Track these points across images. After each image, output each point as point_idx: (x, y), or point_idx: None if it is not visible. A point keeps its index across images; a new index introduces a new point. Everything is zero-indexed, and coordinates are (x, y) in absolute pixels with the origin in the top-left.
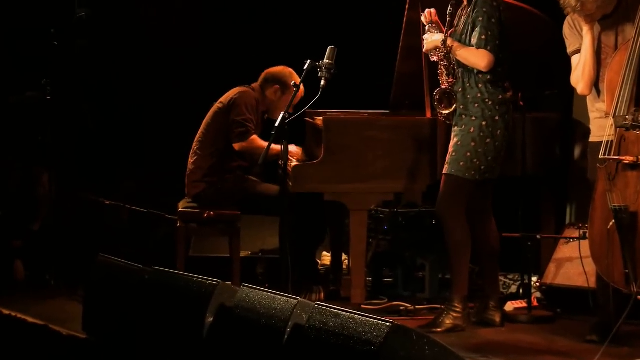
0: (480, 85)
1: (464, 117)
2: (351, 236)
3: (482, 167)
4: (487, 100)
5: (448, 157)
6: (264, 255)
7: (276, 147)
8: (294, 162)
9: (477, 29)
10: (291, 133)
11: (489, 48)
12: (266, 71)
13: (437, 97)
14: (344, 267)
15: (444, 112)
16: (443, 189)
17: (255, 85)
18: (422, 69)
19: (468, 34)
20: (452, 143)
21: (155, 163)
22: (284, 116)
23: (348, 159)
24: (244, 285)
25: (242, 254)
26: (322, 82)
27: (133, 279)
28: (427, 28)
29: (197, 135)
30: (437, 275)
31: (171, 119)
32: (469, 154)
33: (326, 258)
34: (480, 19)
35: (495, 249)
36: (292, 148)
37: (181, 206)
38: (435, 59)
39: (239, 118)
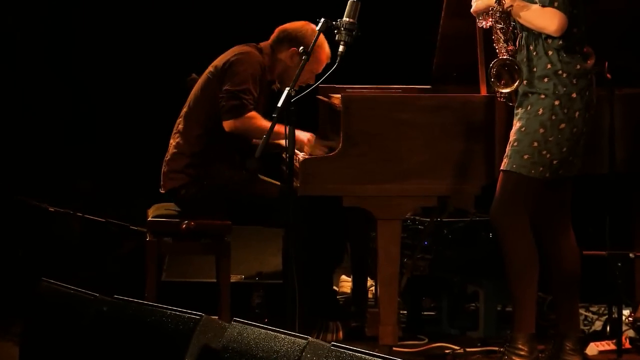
0: (550, 53)
1: (529, 95)
2: (379, 255)
3: (554, 162)
4: (560, 72)
5: (508, 148)
6: (262, 281)
7: (279, 135)
8: (303, 155)
9: None
10: (299, 116)
11: (556, 4)
12: (279, 28)
13: (494, 71)
14: (370, 296)
15: (503, 90)
16: (501, 191)
17: (265, 44)
18: (475, 30)
19: None
20: (514, 129)
21: (119, 157)
22: (289, 93)
23: (375, 150)
24: (236, 320)
25: (233, 278)
26: (341, 48)
27: (87, 312)
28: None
29: (183, 110)
30: (494, 307)
31: (143, 95)
32: (536, 143)
33: (346, 284)
34: None
35: (574, 273)
36: (301, 135)
37: (151, 214)
38: (486, 24)
39: (234, 88)
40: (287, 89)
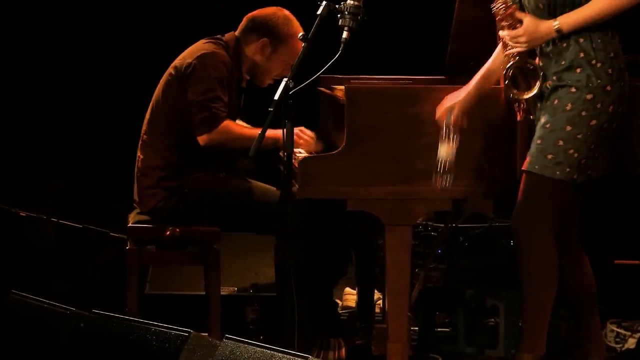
0: (581, 41)
1: (559, 89)
2: (387, 265)
3: (583, 161)
4: (594, 61)
5: (532, 146)
6: (256, 293)
7: (275, 132)
8: (302, 154)
9: None
10: (299, 110)
11: None
12: (248, 16)
13: (509, 73)
14: (377, 310)
15: (522, 97)
16: (522, 194)
17: (229, 37)
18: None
19: None
20: (538, 126)
21: (97, 156)
22: (287, 85)
23: (382, 148)
24: (227, 338)
25: (224, 290)
26: (345, 34)
27: (62, 328)
28: (502, 24)
29: (146, 116)
30: (515, 323)
31: (123, 91)
32: (561, 142)
33: (350, 297)
34: None
35: (593, 290)
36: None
37: (132, 219)
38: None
39: (201, 98)
40: (285, 79)
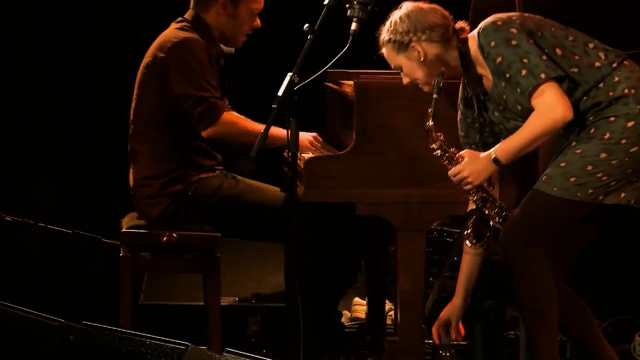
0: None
1: (600, 114)
2: (399, 273)
3: (613, 184)
4: (626, 90)
5: (551, 164)
6: (259, 304)
7: (279, 131)
8: (308, 154)
9: (509, 70)
10: (304, 107)
11: (543, 76)
12: None
13: (469, 223)
14: (388, 322)
15: (476, 249)
16: (527, 214)
17: (189, 15)
18: (514, 2)
19: (506, 93)
20: (567, 146)
21: (88, 156)
22: (291, 80)
23: (394, 148)
24: (228, 351)
25: (224, 301)
26: (354, 25)
27: (50, 340)
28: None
29: (130, 127)
30: None
31: (114, 89)
32: (590, 167)
33: (359, 308)
34: (499, 58)
35: (591, 318)
36: (302, 137)
37: (126, 224)
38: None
39: (193, 91)
40: (289, 74)
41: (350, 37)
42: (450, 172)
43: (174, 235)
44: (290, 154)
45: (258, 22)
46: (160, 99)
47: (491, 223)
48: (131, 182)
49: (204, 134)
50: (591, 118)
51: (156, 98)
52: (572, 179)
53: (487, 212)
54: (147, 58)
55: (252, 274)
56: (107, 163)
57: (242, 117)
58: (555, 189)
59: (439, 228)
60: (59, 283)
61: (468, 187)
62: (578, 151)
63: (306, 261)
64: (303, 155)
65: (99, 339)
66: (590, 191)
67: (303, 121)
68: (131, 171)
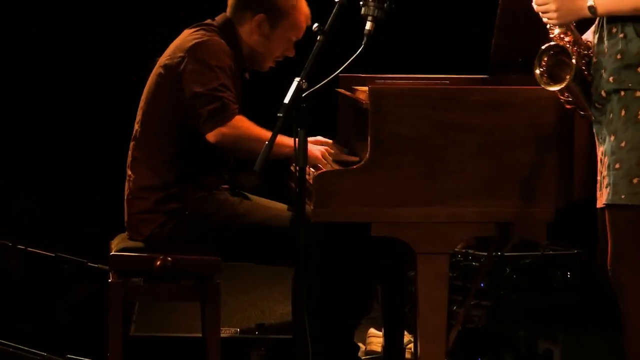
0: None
1: (621, 94)
2: (419, 301)
3: None
4: None
5: (605, 172)
6: (263, 335)
7: (286, 141)
8: (318, 168)
9: None
10: (313, 116)
11: None
12: None
13: (544, 60)
14: (407, 355)
15: (548, 88)
16: (613, 236)
17: (221, 19)
18: None
19: None
20: (607, 145)
21: (73, 171)
22: (299, 86)
23: (414, 161)
24: None
25: (225, 332)
26: (368, 25)
27: None
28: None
29: (135, 128)
30: None
31: (103, 95)
32: None
33: (375, 340)
34: None
35: None
36: (313, 148)
37: (115, 246)
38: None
39: (206, 88)
40: (297, 79)
41: (365, 38)
42: (535, 1)
43: (169, 258)
44: (297, 168)
45: (292, 51)
46: (172, 103)
47: (573, 61)
48: (126, 193)
49: (211, 137)
50: (621, 92)
51: (168, 102)
52: (637, 180)
53: (570, 50)
54: (163, 60)
55: (255, 302)
56: (95, 179)
57: (255, 124)
58: (623, 196)
59: (463, 251)
60: (41, 312)
61: (552, 21)
62: (623, 144)
63: (316, 288)
64: (312, 169)
65: None
66: None
67: (312, 131)
68: (127, 181)
